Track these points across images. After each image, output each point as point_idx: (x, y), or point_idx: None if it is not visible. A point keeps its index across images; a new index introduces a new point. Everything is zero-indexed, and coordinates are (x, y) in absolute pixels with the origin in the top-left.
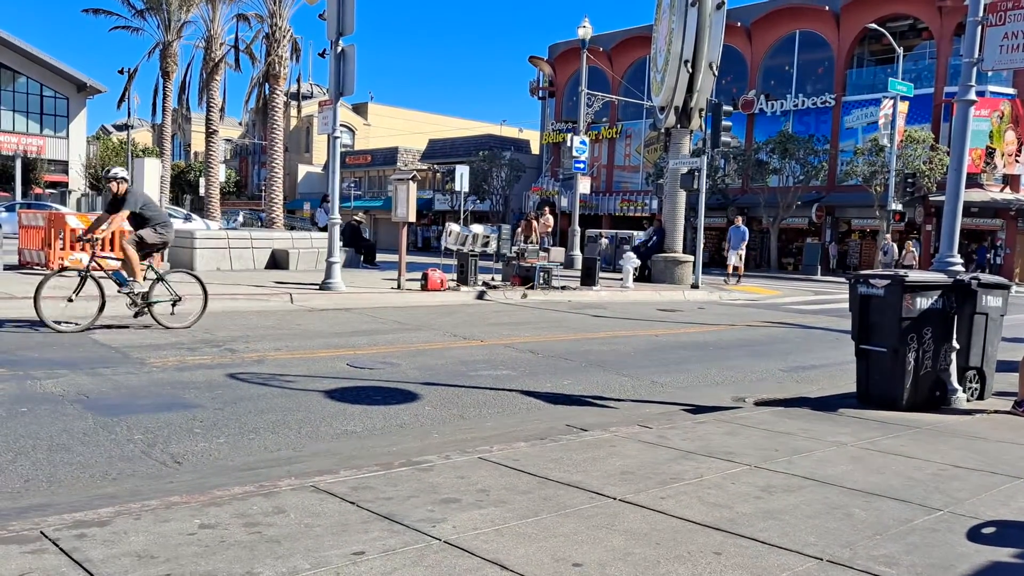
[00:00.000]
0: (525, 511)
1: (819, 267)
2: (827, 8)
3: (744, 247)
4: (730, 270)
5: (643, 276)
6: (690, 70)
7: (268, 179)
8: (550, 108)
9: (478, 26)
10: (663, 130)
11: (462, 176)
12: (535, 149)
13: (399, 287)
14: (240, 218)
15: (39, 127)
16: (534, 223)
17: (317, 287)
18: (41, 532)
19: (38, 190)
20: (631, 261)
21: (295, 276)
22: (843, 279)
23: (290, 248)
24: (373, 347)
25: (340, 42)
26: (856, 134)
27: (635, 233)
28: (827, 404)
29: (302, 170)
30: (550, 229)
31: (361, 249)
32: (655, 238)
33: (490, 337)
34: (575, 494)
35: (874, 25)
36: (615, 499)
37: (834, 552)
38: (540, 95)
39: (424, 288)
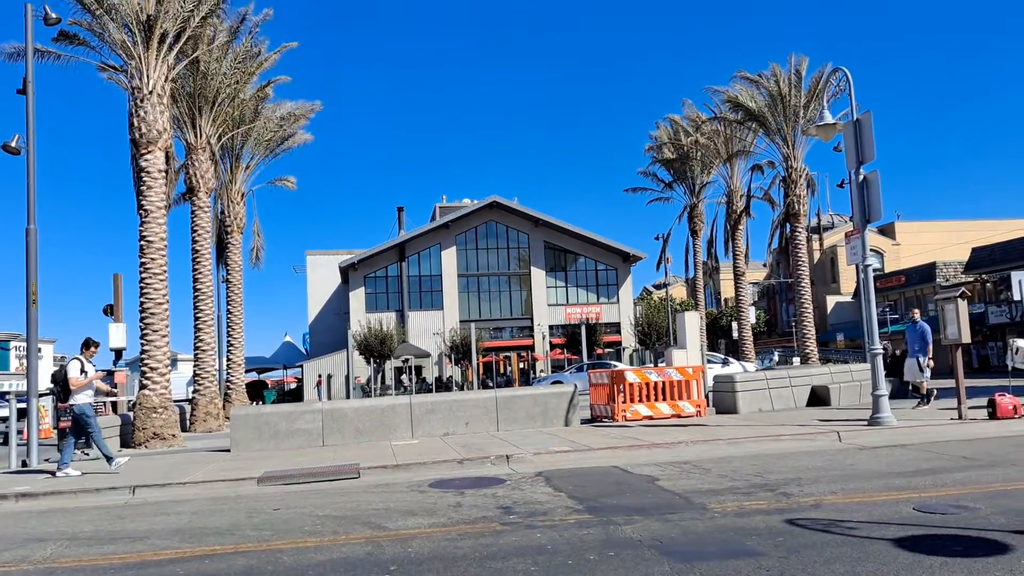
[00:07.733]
0: None
1: None
2: None
3: None
4: None
5: None
6: None
7: (798, 315)
8: None
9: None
10: None
11: (1020, 283)
12: None
13: (960, 417)
14: (775, 356)
15: (596, 296)
16: None
17: (865, 423)
18: None
19: (599, 350)
20: None
21: (838, 412)
22: None
23: (830, 383)
24: (940, 488)
25: (861, 171)
26: None
27: None
28: None
29: (831, 301)
30: None
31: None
32: None
33: None
34: None
35: None
36: None
37: None
38: None
39: (992, 416)
